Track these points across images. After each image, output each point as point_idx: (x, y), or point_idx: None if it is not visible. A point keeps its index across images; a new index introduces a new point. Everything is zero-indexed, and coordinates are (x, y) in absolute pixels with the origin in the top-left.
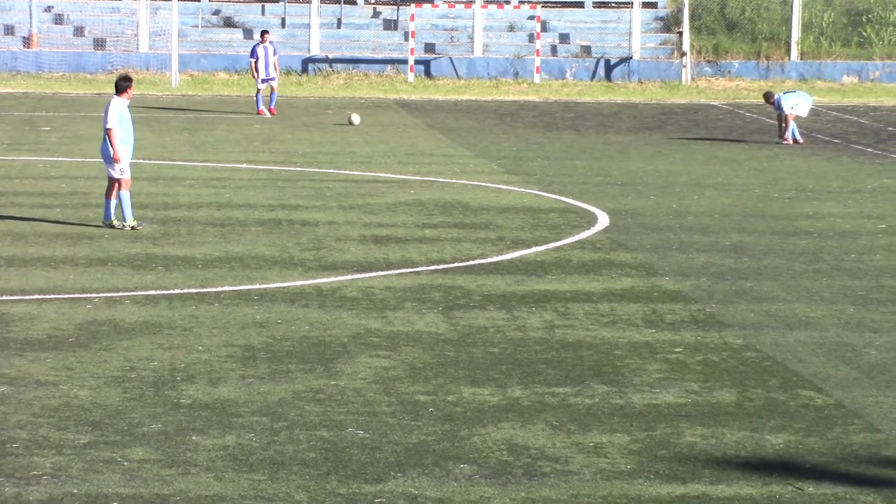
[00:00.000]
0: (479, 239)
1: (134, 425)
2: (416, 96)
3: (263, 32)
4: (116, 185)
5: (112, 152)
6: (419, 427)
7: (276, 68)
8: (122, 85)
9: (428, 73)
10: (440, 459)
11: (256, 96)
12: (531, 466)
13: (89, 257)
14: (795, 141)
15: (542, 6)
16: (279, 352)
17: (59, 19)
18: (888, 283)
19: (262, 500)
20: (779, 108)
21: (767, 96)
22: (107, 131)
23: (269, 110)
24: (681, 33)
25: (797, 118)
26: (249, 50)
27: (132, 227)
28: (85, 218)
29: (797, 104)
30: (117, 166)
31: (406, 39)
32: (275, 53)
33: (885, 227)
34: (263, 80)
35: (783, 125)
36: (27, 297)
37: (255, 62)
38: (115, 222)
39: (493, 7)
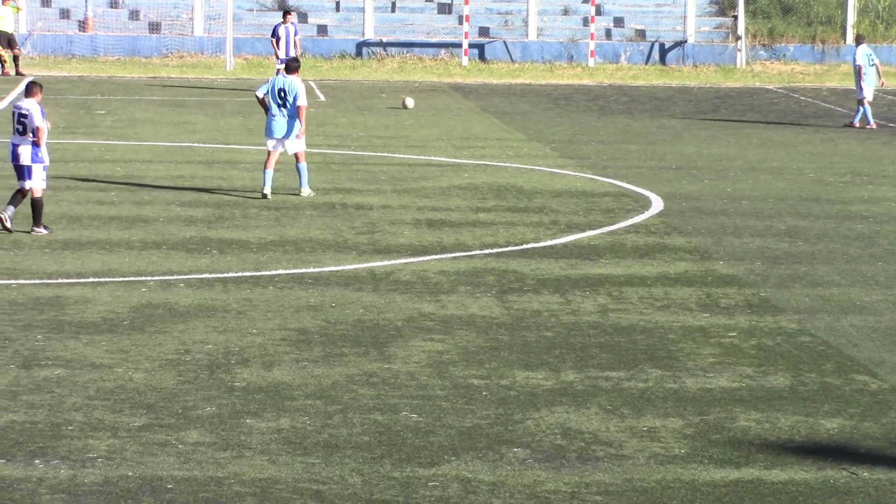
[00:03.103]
0: (532, 223)
1: (188, 408)
2: (470, 80)
3: (286, 13)
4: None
5: (301, 127)
6: (473, 411)
7: (297, 47)
8: None
9: (482, 57)
10: (494, 443)
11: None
12: (584, 451)
13: (144, 240)
14: (850, 124)
15: None
16: (333, 335)
17: (114, 3)
18: None
19: (316, 483)
20: (854, 59)
21: (857, 38)
22: (300, 108)
23: None
24: (736, 17)
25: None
26: (273, 27)
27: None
28: (140, 201)
29: (870, 69)
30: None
31: (460, 23)
32: (296, 34)
33: None
34: (282, 61)
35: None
36: (82, 281)
37: (276, 41)
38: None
39: None
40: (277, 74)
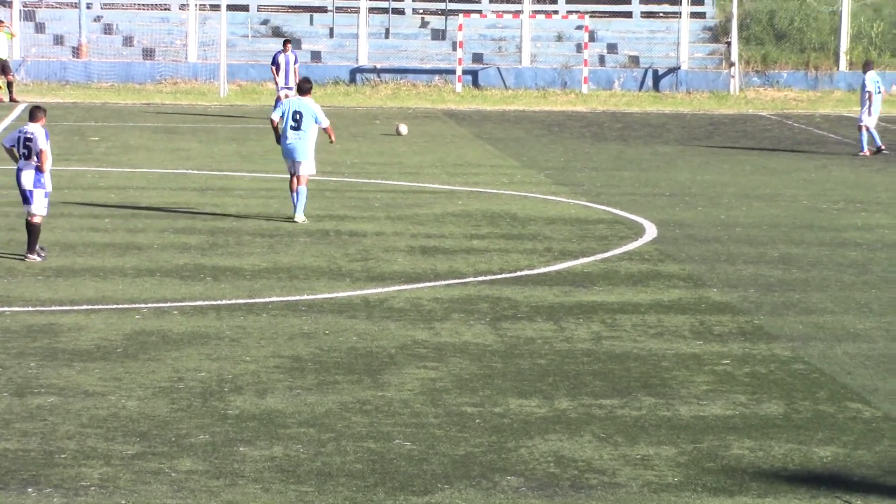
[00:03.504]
0: (526, 250)
1: (181, 436)
2: (463, 106)
3: (286, 42)
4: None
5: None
6: (466, 439)
7: (296, 75)
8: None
9: (476, 84)
10: (487, 471)
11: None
12: (578, 479)
13: (138, 268)
14: (878, 150)
15: (590, 16)
16: (326, 363)
17: (108, 29)
18: None
19: None
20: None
21: (865, 65)
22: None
23: None
24: (729, 43)
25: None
26: (273, 55)
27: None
28: (134, 228)
29: (877, 95)
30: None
31: (454, 49)
32: (295, 62)
33: None
34: (281, 88)
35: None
36: (76, 308)
37: (276, 69)
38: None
39: (540, 17)
40: (286, 98)
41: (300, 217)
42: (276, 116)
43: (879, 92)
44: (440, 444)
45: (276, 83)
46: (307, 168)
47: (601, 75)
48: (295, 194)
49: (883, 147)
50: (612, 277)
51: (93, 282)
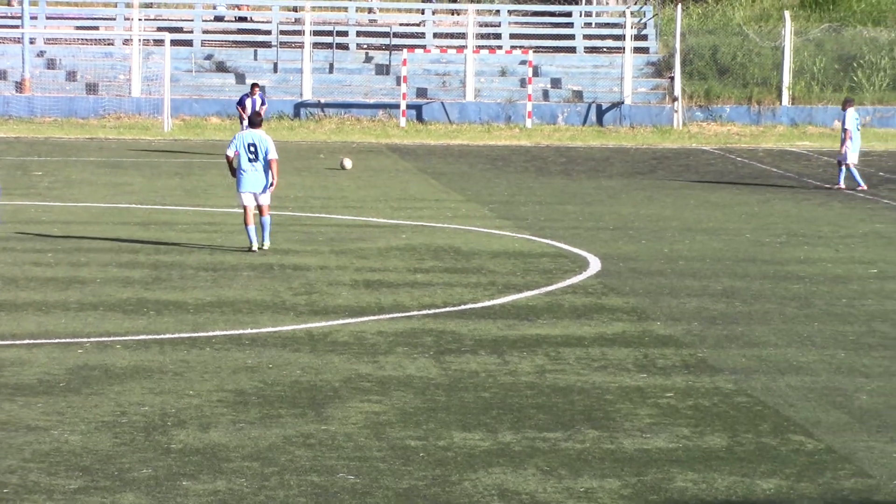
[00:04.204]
0: (470, 283)
1: (124, 471)
2: (407, 141)
3: (254, 85)
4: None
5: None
6: (410, 472)
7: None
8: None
9: (420, 118)
10: None
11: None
12: None
13: (81, 302)
14: (857, 186)
15: (534, 51)
16: (270, 396)
17: (51, 64)
18: (879, 327)
19: None
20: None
21: (846, 102)
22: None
23: None
24: (672, 78)
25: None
26: (240, 97)
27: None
28: (77, 262)
29: (854, 131)
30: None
31: (398, 84)
32: (263, 104)
33: (876, 273)
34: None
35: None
36: (18, 342)
37: (242, 109)
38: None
39: (484, 52)
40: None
41: (267, 244)
42: (230, 152)
43: (859, 129)
44: (384, 478)
45: (242, 124)
46: (266, 198)
47: (545, 110)
48: (261, 226)
49: (865, 187)
50: (555, 311)
51: (35, 316)
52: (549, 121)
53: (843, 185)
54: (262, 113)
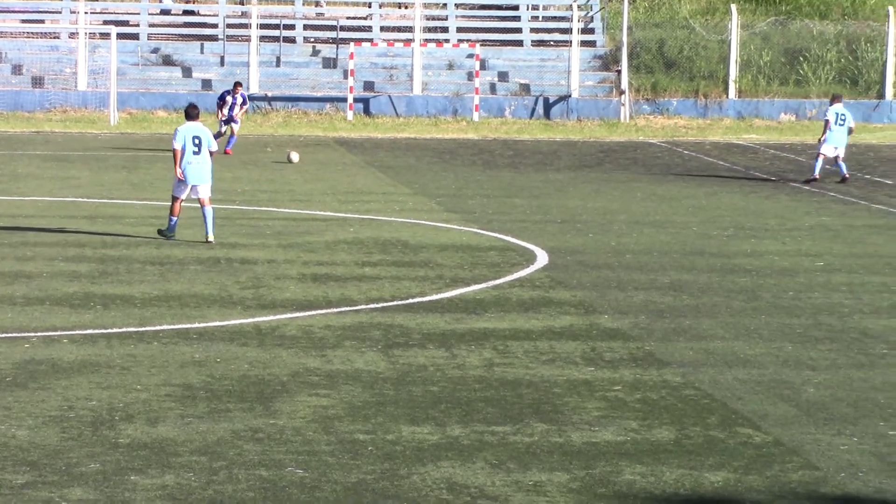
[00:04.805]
0: (418, 277)
1: (72, 465)
2: (355, 134)
3: (236, 84)
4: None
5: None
6: (358, 466)
7: (239, 111)
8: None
9: (367, 112)
10: (379, 498)
11: (230, 138)
12: None
13: (27, 296)
14: (844, 179)
15: (481, 44)
16: (218, 391)
17: None
18: (826, 320)
19: None
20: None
21: (833, 98)
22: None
23: (225, 151)
24: (619, 71)
25: (826, 157)
26: (221, 93)
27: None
28: (23, 256)
29: (839, 128)
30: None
31: (345, 77)
32: (244, 103)
33: (823, 265)
34: (225, 122)
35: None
36: None
37: (222, 105)
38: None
39: (432, 45)
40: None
41: (212, 237)
42: (177, 145)
43: (842, 124)
44: (332, 472)
45: (220, 120)
46: (207, 190)
47: (492, 103)
48: (204, 218)
49: (847, 176)
50: (503, 304)
51: None
52: (497, 114)
53: (818, 175)
54: (244, 112)
